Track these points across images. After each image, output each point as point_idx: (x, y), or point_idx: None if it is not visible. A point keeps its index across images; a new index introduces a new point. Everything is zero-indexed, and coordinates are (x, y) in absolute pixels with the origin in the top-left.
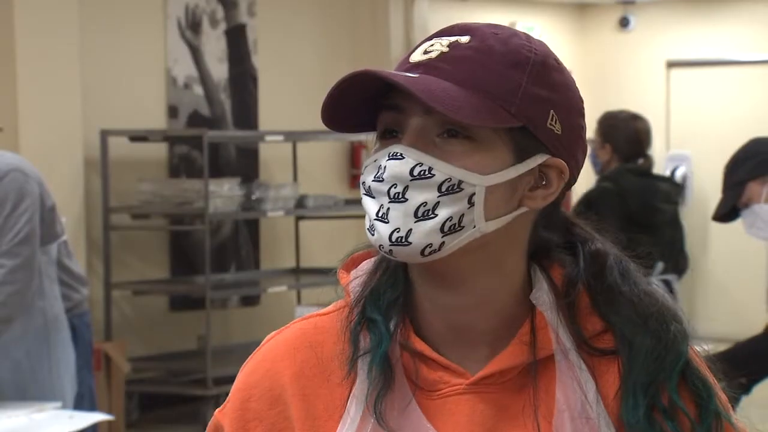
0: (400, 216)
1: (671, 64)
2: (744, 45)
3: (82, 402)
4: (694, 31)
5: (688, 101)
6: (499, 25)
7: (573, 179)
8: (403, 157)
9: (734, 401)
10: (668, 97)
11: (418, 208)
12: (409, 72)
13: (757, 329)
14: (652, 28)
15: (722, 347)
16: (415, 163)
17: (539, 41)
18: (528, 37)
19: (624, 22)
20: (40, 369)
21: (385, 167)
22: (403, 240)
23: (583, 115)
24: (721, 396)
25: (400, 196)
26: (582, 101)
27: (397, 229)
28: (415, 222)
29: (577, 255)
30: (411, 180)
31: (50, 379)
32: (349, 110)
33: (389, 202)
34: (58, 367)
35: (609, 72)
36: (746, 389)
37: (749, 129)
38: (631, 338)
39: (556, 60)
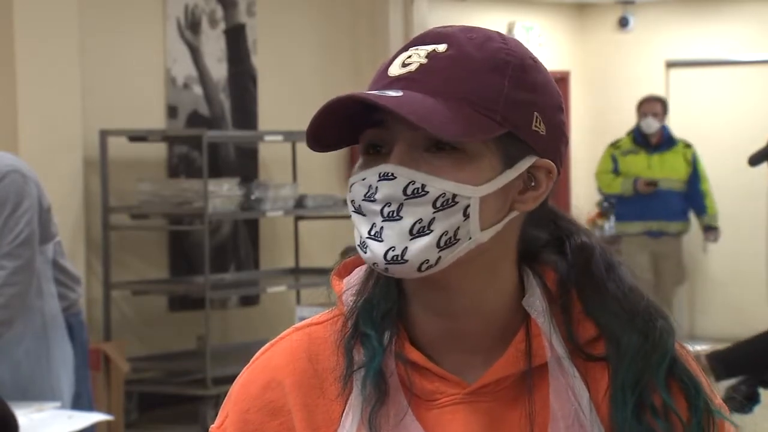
0: (394, 235)
1: (670, 64)
2: (743, 45)
3: (80, 401)
4: (693, 31)
5: (688, 101)
6: (473, 28)
7: (558, 173)
8: (395, 177)
9: (747, 409)
10: (667, 97)
11: (413, 225)
12: (390, 87)
13: (757, 329)
14: (651, 28)
15: (721, 347)
16: (407, 182)
17: (514, 41)
18: (503, 37)
19: (623, 22)
20: (39, 368)
21: (376, 188)
22: (399, 258)
23: (563, 110)
24: (711, 392)
25: (395, 215)
26: (560, 96)
27: (393, 248)
28: (411, 239)
29: (564, 251)
30: (405, 199)
31: (49, 378)
32: (331, 130)
33: (383, 220)
34: (57, 367)
35: (608, 72)
36: (756, 397)
37: (749, 129)
38: (618, 337)
39: (533, 59)
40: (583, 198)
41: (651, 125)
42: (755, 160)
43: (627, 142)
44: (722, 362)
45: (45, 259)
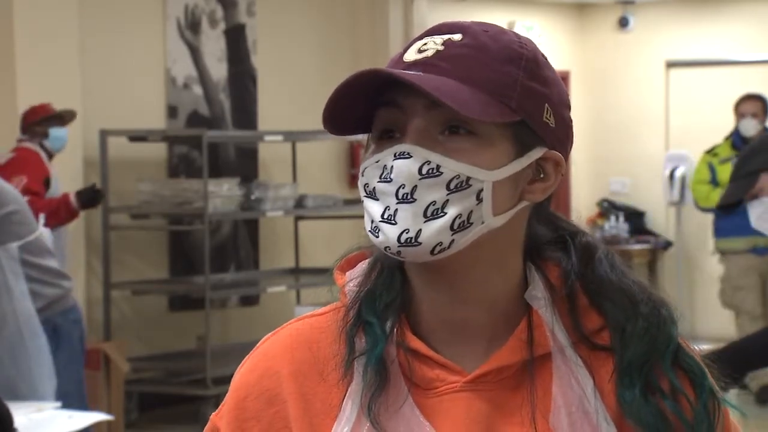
0: (409, 216)
1: (670, 64)
2: (743, 45)
3: (69, 399)
4: (693, 31)
5: (687, 101)
6: (486, 23)
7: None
8: (410, 156)
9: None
10: (667, 97)
11: (427, 207)
12: (408, 71)
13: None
14: (651, 28)
15: (721, 346)
16: (423, 161)
17: (526, 38)
18: (515, 33)
19: (623, 22)
20: (25, 364)
21: (392, 167)
22: (413, 240)
23: (570, 108)
24: (713, 381)
25: (409, 197)
26: (568, 95)
27: (406, 230)
28: (425, 222)
29: (567, 248)
30: (420, 179)
31: (29, 373)
32: (346, 112)
33: (397, 203)
34: (38, 361)
35: (608, 72)
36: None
37: None
38: (624, 323)
39: (543, 55)
40: (583, 198)
41: (750, 127)
42: (728, 206)
43: (725, 149)
44: (724, 360)
45: (9, 255)
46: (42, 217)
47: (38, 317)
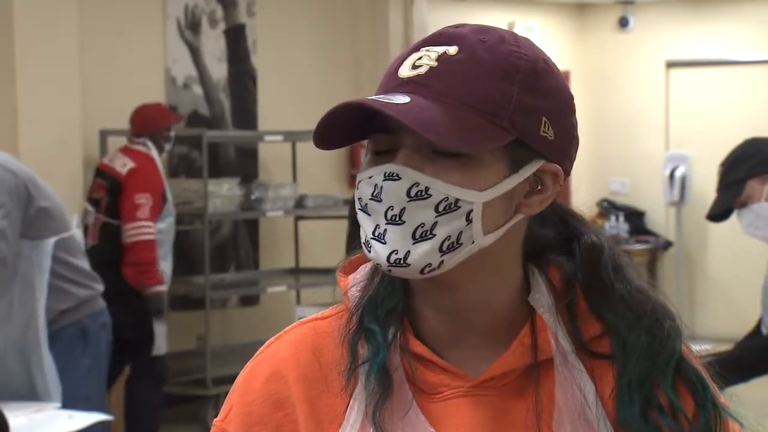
0: (397, 238)
1: (670, 64)
2: (743, 45)
3: (91, 401)
4: (693, 31)
5: (688, 101)
6: (487, 29)
7: (566, 175)
8: (399, 178)
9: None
10: (667, 97)
11: (415, 229)
12: (399, 90)
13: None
14: (651, 28)
15: (722, 347)
16: (411, 183)
17: (527, 42)
18: (516, 39)
19: (623, 22)
20: (43, 363)
21: (381, 187)
22: (402, 262)
23: (574, 112)
24: (716, 391)
25: (397, 219)
26: (572, 97)
27: (395, 251)
28: (414, 243)
29: (572, 250)
30: (408, 201)
31: (45, 372)
32: (338, 129)
33: (386, 223)
34: (48, 361)
35: (608, 72)
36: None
37: (748, 129)
38: (625, 336)
39: (545, 61)
40: (583, 198)
41: None
42: (718, 216)
43: None
44: (729, 363)
45: (42, 251)
46: (76, 217)
47: (67, 317)
